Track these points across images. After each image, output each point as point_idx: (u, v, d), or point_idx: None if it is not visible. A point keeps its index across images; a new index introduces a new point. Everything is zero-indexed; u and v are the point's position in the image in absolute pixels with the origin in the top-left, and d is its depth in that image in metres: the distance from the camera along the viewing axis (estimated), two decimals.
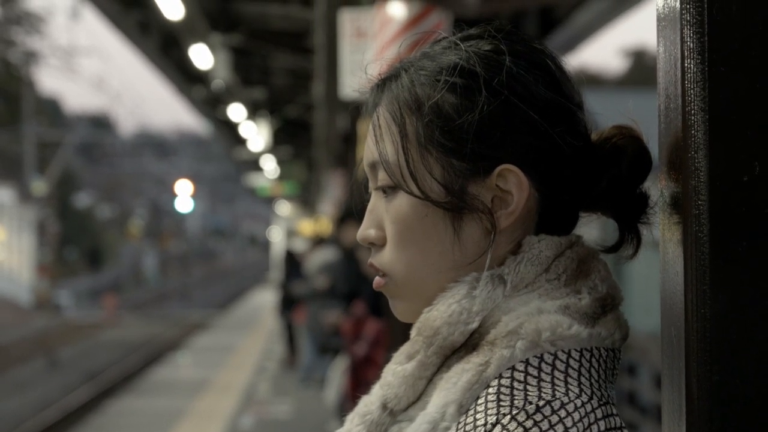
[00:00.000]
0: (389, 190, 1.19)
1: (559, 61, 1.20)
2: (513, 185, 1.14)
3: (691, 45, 1.00)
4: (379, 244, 1.21)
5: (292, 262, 16.50)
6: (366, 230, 1.22)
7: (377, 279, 1.21)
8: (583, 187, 1.18)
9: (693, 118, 1.00)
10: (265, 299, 32.03)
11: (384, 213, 1.20)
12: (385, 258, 1.20)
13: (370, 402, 1.18)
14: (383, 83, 1.22)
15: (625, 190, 1.18)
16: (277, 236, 44.38)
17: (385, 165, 1.18)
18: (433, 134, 1.15)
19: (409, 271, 1.18)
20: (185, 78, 21.86)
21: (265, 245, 79.48)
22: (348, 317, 8.77)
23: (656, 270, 1.10)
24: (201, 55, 15.87)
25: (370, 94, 1.23)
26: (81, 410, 15.01)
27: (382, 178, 1.19)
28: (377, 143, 1.19)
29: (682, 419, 1.02)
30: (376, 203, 1.21)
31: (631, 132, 1.20)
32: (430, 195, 1.15)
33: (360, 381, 7.93)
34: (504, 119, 1.14)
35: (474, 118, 1.14)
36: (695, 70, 1.00)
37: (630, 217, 1.19)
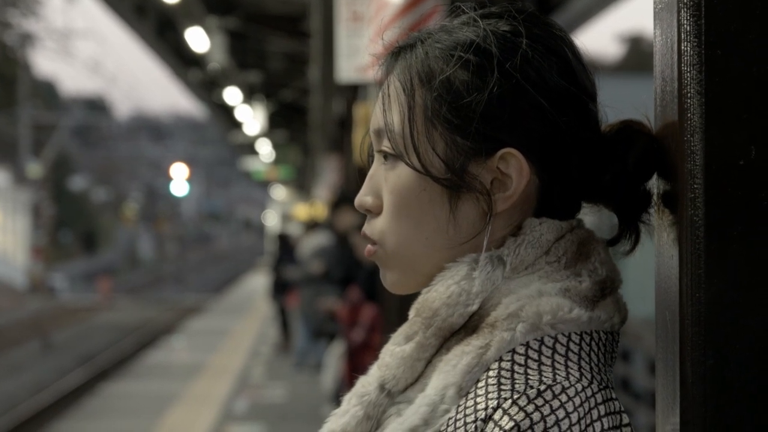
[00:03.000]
0: (390, 158, 1.18)
1: (577, 49, 1.19)
2: (514, 169, 1.13)
3: (688, 28, 1.00)
4: (374, 212, 1.20)
5: (285, 246, 16.43)
6: (363, 197, 1.21)
7: (368, 247, 1.21)
8: (587, 178, 1.17)
9: (689, 101, 1.00)
10: (259, 283, 32.02)
11: (383, 181, 1.19)
12: (377, 227, 1.19)
13: (368, 383, 1.18)
14: (398, 51, 1.21)
15: (629, 186, 1.17)
16: (272, 220, 44.39)
17: (390, 134, 1.18)
18: (441, 109, 1.15)
19: (401, 243, 1.17)
20: (181, 61, 21.85)
21: (260, 229, 79.44)
22: (344, 303, 8.77)
23: (652, 255, 1.10)
24: (197, 39, 15.86)
25: (384, 61, 1.22)
26: (75, 393, 15.04)
27: (386, 146, 1.19)
28: (384, 111, 1.19)
29: (676, 403, 1.02)
30: (376, 170, 1.21)
31: (642, 128, 1.17)
32: (430, 170, 1.15)
33: (357, 367, 7.93)
34: (513, 102, 1.13)
35: (483, 98, 1.13)
36: (692, 53, 1.00)
37: (631, 213, 1.18)
